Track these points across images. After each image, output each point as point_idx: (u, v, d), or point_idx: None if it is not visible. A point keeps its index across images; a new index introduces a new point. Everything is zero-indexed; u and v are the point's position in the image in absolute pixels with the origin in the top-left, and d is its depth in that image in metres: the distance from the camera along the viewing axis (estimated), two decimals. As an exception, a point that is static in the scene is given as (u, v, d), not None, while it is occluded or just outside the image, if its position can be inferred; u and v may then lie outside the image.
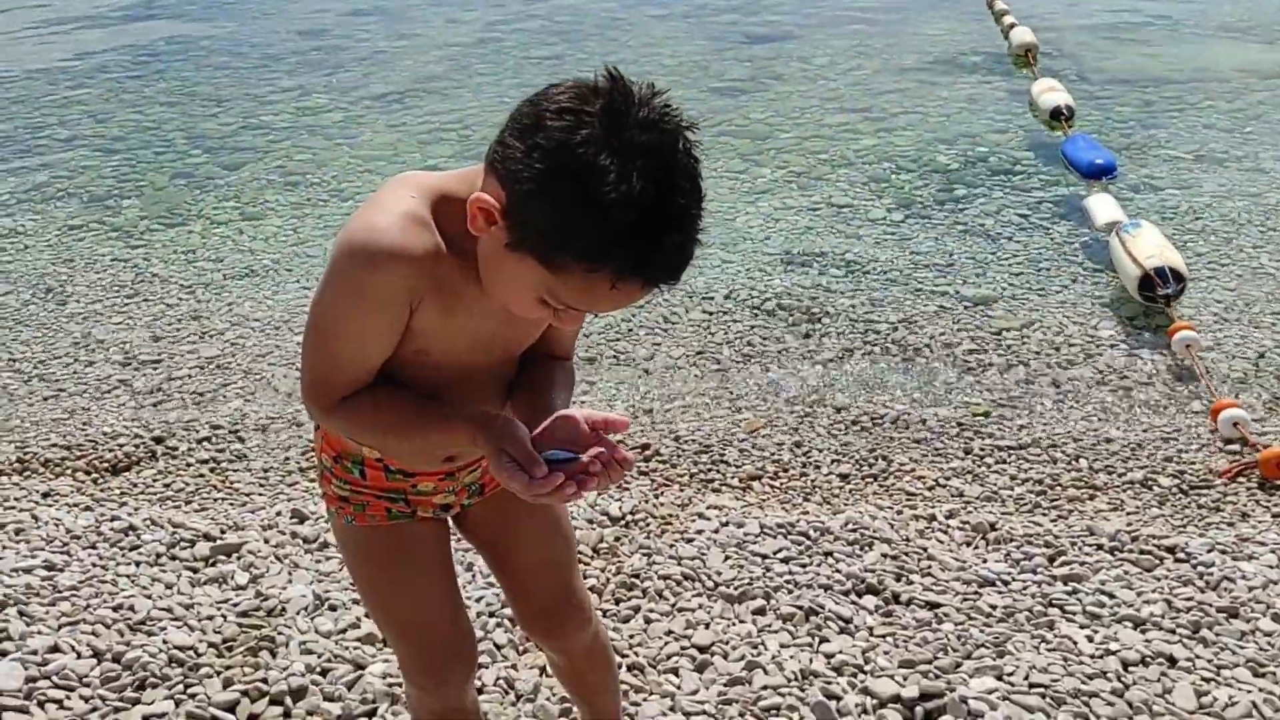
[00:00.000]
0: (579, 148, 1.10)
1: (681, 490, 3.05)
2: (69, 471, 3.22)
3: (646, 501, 2.91)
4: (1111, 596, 2.43)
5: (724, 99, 6.64)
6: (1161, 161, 5.47)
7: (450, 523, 1.62)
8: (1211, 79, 6.70)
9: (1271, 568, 2.54)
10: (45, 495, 3.02)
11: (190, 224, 5.16)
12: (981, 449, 3.27)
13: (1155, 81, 6.70)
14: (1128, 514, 2.91)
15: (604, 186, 1.09)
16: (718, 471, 3.18)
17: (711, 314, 4.16)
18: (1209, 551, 2.62)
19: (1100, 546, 2.67)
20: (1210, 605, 2.39)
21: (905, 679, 2.12)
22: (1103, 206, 4.68)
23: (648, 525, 2.77)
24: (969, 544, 2.72)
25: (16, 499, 2.99)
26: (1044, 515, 2.91)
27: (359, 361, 1.32)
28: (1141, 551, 2.64)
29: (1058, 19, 8.18)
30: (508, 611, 2.34)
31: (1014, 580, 2.52)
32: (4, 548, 2.65)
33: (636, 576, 2.52)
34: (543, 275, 1.17)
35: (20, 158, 6.14)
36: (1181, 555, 2.61)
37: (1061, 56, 7.25)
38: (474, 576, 2.50)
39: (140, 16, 9.50)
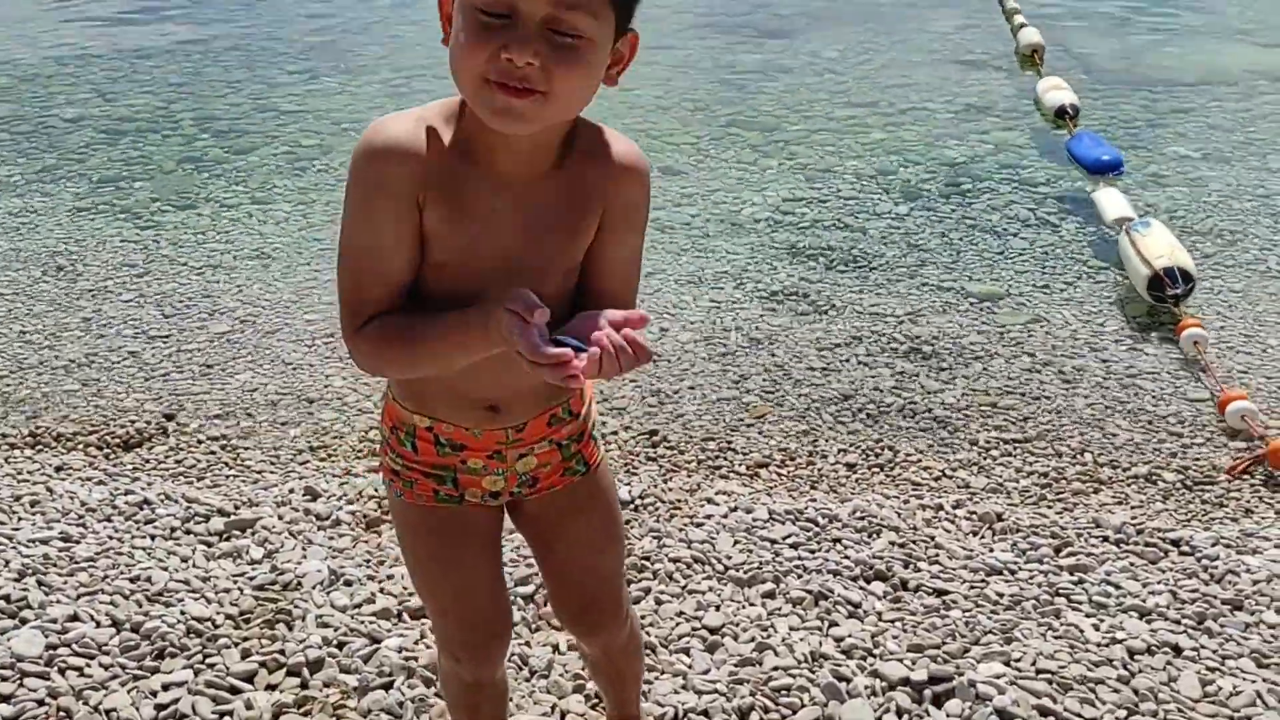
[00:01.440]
0: None
1: (689, 476, 3.08)
2: (81, 446, 3.24)
3: (655, 486, 2.94)
4: (1117, 587, 2.46)
5: (733, 90, 6.64)
6: (1169, 160, 5.49)
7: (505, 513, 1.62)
8: (1219, 79, 6.72)
9: (1275, 562, 2.56)
10: (58, 469, 3.04)
11: (199, 207, 5.16)
12: (988, 441, 3.29)
13: (1162, 81, 6.71)
14: (1133, 508, 2.94)
15: None
16: (725, 459, 3.20)
17: (719, 302, 4.18)
18: (1213, 545, 2.64)
19: (1106, 539, 2.70)
20: (1215, 597, 2.41)
21: (914, 663, 2.15)
22: (1112, 202, 4.70)
23: (656, 509, 2.80)
24: (976, 534, 2.75)
25: (30, 472, 3.01)
26: (1049, 507, 2.94)
27: (379, 271, 1.33)
28: (1147, 544, 2.67)
29: (1066, 18, 8.20)
30: (521, 590, 2.37)
31: (1021, 569, 2.55)
32: (20, 519, 2.67)
33: (647, 559, 2.55)
34: None
35: (29, 138, 6.14)
36: (1186, 548, 2.64)
37: (1068, 56, 7.26)
38: (486, 556, 2.52)
39: (148, -3, 9.48)
